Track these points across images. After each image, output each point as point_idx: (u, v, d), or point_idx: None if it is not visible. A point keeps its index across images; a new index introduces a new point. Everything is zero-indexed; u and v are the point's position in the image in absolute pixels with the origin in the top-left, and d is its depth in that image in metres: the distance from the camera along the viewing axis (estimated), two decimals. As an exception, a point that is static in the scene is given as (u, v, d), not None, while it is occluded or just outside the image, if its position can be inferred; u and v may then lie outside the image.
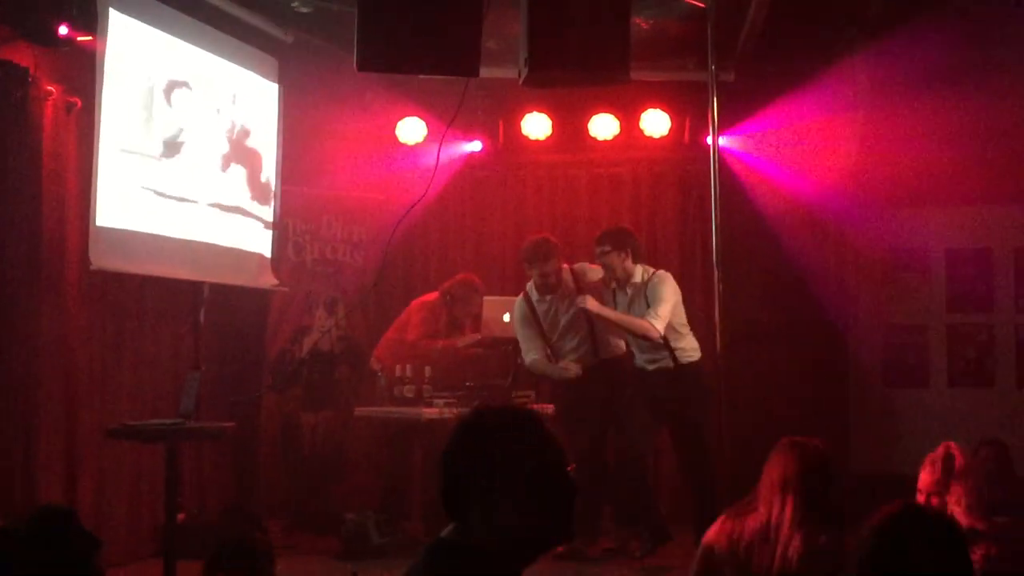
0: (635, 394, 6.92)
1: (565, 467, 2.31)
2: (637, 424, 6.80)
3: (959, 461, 4.58)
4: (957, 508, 4.52)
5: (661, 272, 6.88)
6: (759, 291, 8.27)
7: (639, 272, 6.82)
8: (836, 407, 8.36)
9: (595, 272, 7.06)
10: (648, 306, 6.72)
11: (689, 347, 6.85)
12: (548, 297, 7.10)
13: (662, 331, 6.64)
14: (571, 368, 7.04)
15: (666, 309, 6.66)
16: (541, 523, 2.26)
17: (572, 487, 2.29)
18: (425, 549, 2.35)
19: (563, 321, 7.09)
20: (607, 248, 6.78)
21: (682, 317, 6.88)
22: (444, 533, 2.33)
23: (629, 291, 6.83)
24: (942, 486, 4.51)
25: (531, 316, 7.17)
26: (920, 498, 4.55)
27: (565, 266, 7.13)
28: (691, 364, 6.83)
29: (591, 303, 6.73)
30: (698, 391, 6.80)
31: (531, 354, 7.16)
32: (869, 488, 4.64)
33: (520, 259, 7.25)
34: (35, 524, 2.62)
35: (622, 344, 7.09)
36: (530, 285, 7.19)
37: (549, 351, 7.16)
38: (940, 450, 4.65)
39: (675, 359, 6.77)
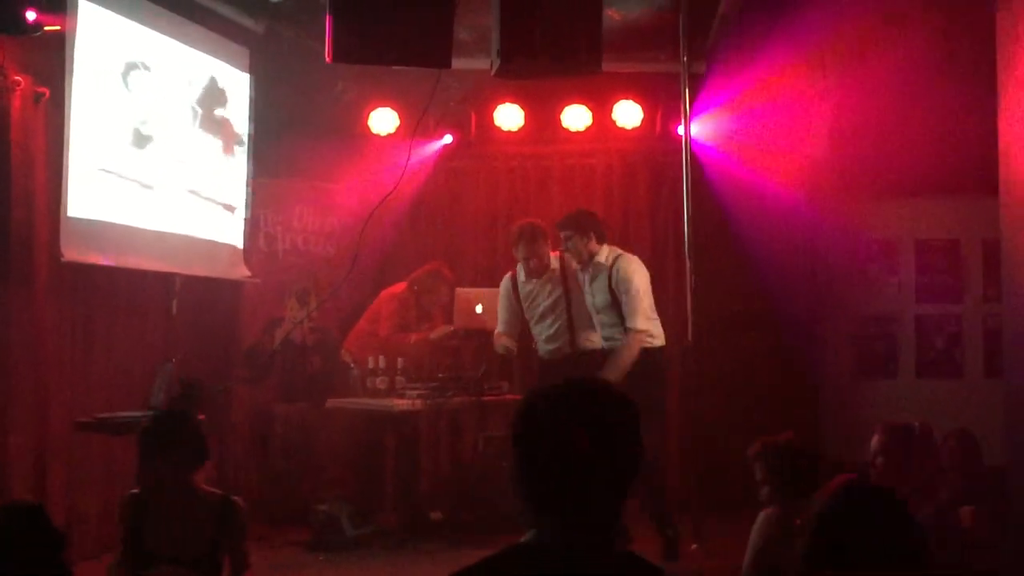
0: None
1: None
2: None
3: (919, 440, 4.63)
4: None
5: (626, 257, 6.79)
6: (730, 282, 8.31)
7: (604, 252, 6.79)
8: (806, 397, 8.41)
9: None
10: (611, 290, 6.68)
11: (648, 333, 6.76)
12: (534, 280, 7.12)
13: (643, 327, 6.62)
14: (501, 345, 7.21)
15: (639, 305, 6.63)
16: (619, 520, 2.12)
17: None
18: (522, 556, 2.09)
19: (542, 306, 7.12)
20: (569, 232, 6.78)
21: (650, 301, 6.83)
22: (532, 538, 2.10)
23: (591, 270, 6.80)
24: (894, 456, 4.56)
25: (512, 295, 7.21)
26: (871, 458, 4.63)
27: (555, 254, 7.12)
28: (648, 349, 6.69)
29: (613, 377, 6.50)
30: (644, 376, 6.57)
31: (498, 327, 7.28)
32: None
33: (511, 241, 7.26)
34: (1, 521, 2.59)
35: (599, 339, 7.05)
36: (520, 265, 7.22)
37: (533, 332, 7.21)
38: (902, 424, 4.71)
39: None
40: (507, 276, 7.31)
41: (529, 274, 7.14)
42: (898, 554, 2.43)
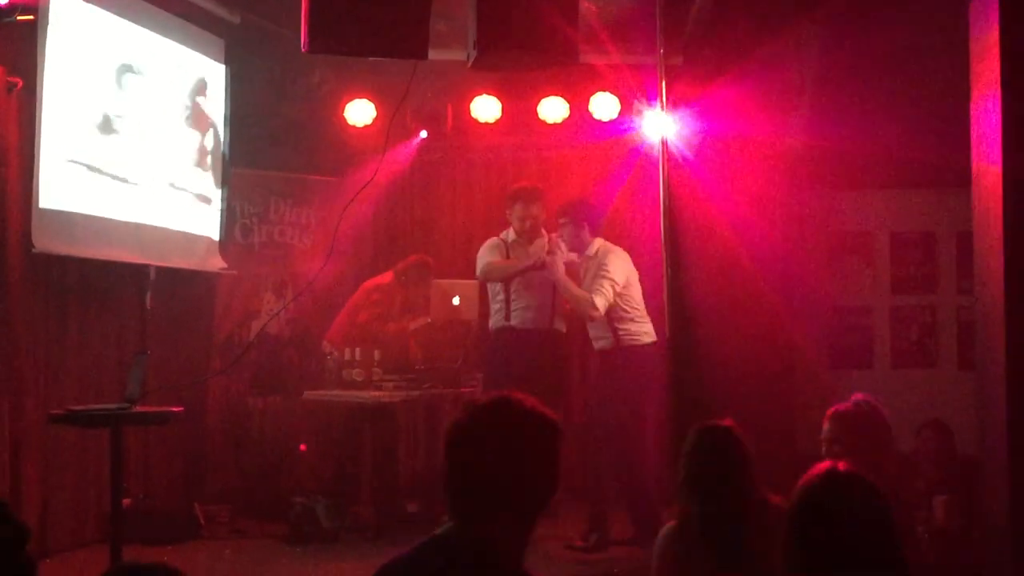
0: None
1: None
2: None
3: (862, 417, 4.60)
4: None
5: (612, 249, 6.85)
6: (706, 274, 8.31)
7: (595, 246, 6.83)
8: (781, 389, 8.43)
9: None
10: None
11: (636, 330, 6.80)
12: (522, 247, 7.03)
13: (602, 310, 6.62)
14: (534, 249, 6.93)
15: (609, 286, 6.63)
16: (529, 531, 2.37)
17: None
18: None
19: (529, 277, 6.97)
20: (565, 220, 6.83)
21: (632, 299, 6.85)
22: (445, 530, 2.34)
23: (583, 263, 6.84)
24: (844, 442, 4.54)
25: (503, 249, 7.08)
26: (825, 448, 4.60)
27: (545, 232, 7.07)
28: (634, 347, 6.76)
29: (556, 267, 6.69)
30: (631, 376, 6.71)
31: (487, 258, 7.03)
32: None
33: (505, 200, 7.23)
34: None
35: (564, 324, 7.10)
36: (506, 232, 7.13)
37: (503, 304, 7.03)
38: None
39: (617, 339, 6.74)
40: (494, 238, 7.18)
41: (520, 234, 7.03)
42: (876, 544, 2.42)
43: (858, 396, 4.56)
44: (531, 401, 2.39)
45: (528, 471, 2.31)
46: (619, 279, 6.71)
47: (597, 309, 6.59)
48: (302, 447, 7.87)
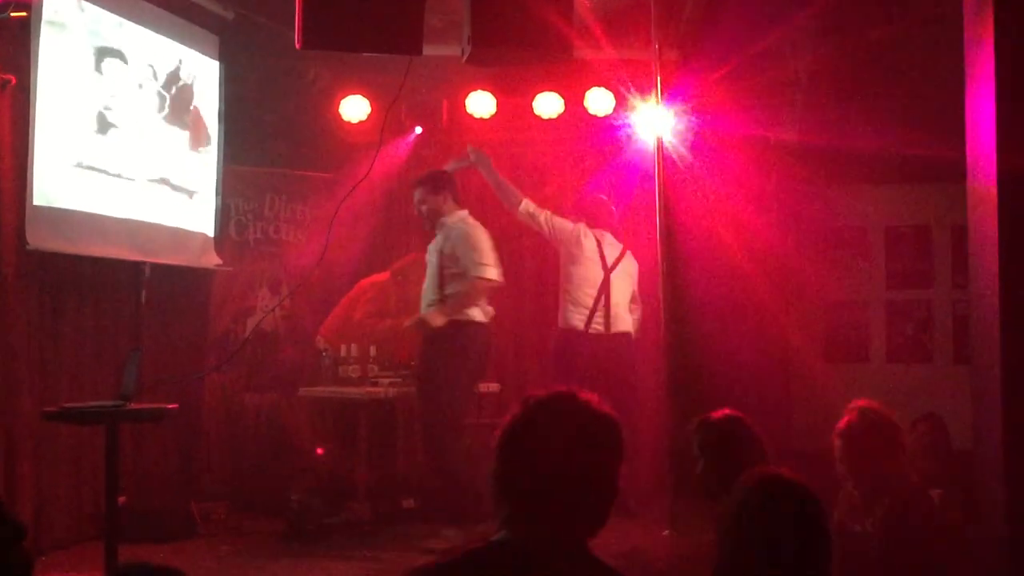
0: None
1: None
2: None
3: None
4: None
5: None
6: (702, 269, 8.33)
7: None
8: (777, 383, 8.45)
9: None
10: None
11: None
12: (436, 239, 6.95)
13: (522, 209, 7.39)
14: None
15: (548, 214, 7.37)
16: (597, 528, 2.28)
17: None
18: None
19: (430, 260, 6.95)
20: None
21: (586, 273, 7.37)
22: (503, 537, 2.16)
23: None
24: (851, 458, 4.59)
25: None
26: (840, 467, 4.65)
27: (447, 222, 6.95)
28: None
29: (484, 161, 7.41)
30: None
31: None
32: (809, 463, 4.69)
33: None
34: None
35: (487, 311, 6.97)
36: None
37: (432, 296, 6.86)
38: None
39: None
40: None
41: (423, 221, 7.08)
42: (804, 553, 2.40)
43: (859, 403, 4.61)
44: (594, 398, 2.23)
45: (591, 474, 2.15)
46: (559, 224, 7.41)
47: (520, 202, 7.31)
48: (319, 451, 7.79)
